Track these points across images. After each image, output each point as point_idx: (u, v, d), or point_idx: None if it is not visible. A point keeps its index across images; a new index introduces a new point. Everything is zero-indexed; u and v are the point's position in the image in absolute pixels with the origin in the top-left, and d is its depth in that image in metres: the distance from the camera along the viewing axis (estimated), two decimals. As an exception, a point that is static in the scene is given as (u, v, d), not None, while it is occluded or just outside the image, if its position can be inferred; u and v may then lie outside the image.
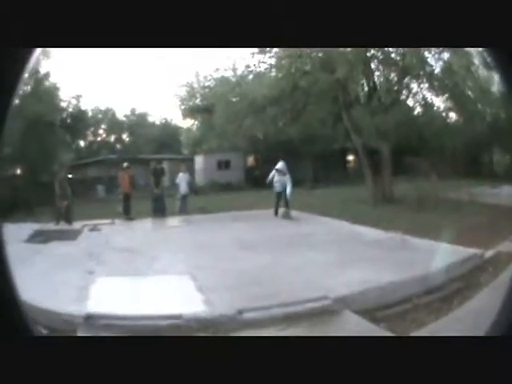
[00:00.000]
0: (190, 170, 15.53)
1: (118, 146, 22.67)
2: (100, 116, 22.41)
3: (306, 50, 11.49)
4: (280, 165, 11.31)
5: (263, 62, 12.52)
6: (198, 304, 4.46)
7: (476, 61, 13.68)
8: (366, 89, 13.22)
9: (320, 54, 11.67)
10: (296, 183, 14.22)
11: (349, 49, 10.97)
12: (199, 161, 18.01)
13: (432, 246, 6.46)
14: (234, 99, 13.46)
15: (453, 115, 15.62)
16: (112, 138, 23.03)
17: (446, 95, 13.48)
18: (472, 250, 5.99)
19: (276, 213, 10.96)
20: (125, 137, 23.21)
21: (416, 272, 5.14)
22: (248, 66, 13.22)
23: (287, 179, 11.00)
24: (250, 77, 13.68)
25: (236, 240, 7.83)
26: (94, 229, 9.82)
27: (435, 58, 12.77)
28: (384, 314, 4.28)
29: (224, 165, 17.45)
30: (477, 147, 17.55)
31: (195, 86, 16.44)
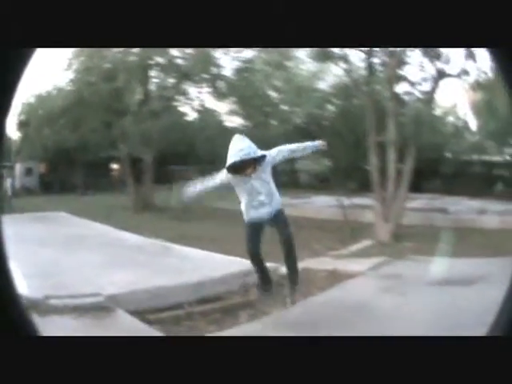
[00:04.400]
0: (13, 176, 19.17)
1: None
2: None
3: (97, 63, 12.16)
4: (241, 146, 3.98)
5: (67, 77, 13.54)
6: (24, 287, 4.80)
7: (301, 54, 12.66)
8: (142, 96, 13.57)
9: (108, 65, 12.33)
10: (69, 190, 16.52)
11: (131, 58, 11.56)
12: (17, 168, 21.72)
13: (198, 254, 6.46)
14: (40, 112, 14.79)
15: (239, 119, 14.68)
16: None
17: (234, 98, 13.02)
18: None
19: (266, 287, 4.44)
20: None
21: (185, 279, 5.07)
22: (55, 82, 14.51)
23: (266, 184, 4.11)
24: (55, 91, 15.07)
25: (35, 237, 8.46)
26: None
27: (231, 58, 12.42)
28: (157, 317, 4.31)
29: (29, 172, 21.28)
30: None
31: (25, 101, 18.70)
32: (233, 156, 3.86)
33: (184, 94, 13.26)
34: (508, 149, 15.27)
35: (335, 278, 5.48)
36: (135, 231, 8.62)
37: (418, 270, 6.07)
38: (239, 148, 3.86)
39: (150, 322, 4.17)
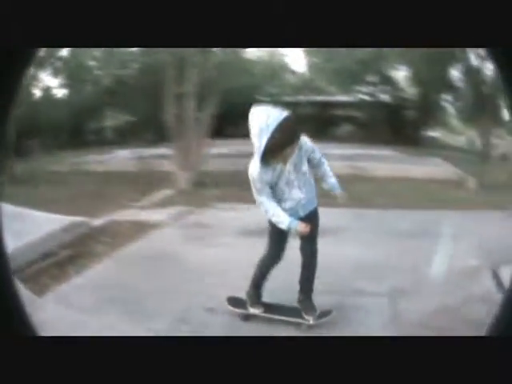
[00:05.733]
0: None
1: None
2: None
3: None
4: (267, 113, 2.52)
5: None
6: None
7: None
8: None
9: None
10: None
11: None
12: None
13: (34, 215, 6.25)
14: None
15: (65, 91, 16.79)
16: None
17: (64, 73, 15.03)
18: (73, 218, 5.76)
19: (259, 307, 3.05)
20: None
21: (29, 239, 5.11)
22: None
23: (302, 175, 2.80)
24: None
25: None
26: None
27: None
28: (25, 276, 4.45)
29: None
30: (85, 116, 17.14)
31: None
32: (264, 130, 2.44)
33: (36, 79, 15.25)
34: (365, 88, 14.28)
35: (140, 228, 5.58)
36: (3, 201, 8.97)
37: (225, 218, 6.01)
38: (267, 115, 2.47)
39: (24, 281, 4.47)
